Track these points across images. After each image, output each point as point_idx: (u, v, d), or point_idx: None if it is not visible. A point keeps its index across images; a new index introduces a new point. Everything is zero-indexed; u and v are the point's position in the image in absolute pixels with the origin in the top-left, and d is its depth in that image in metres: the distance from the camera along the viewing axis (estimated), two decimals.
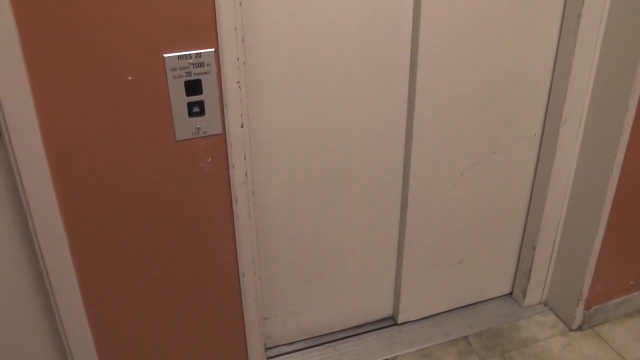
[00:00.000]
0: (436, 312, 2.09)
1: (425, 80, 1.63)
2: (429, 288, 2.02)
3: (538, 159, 1.92)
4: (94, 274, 1.38)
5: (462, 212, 1.92)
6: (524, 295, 2.11)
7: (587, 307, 2.02)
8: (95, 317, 1.43)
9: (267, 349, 1.93)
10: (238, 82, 1.30)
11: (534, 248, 2.01)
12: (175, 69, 1.25)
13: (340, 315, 1.98)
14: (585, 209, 1.89)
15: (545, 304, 2.15)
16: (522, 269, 2.10)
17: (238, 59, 1.28)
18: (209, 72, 1.28)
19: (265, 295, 1.80)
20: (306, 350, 1.94)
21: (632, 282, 2.08)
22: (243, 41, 1.29)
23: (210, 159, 1.36)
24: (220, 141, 1.35)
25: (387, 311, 2.06)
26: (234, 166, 1.37)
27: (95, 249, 1.36)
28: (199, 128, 1.31)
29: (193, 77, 1.27)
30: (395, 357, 1.93)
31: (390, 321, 2.06)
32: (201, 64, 1.26)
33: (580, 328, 2.05)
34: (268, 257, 1.74)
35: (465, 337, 2.01)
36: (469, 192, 1.88)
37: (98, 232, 1.34)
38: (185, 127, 1.30)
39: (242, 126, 1.34)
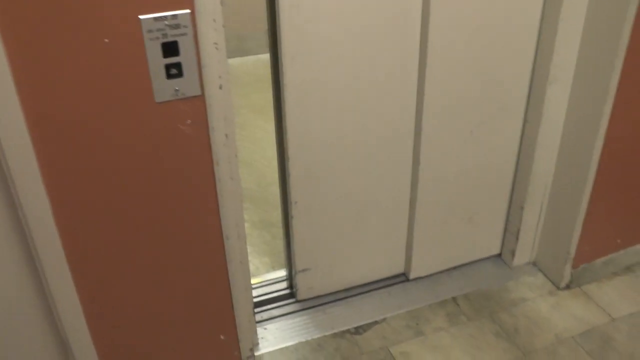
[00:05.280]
0: (425, 274, 2.11)
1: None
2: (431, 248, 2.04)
3: (525, 120, 1.92)
4: (78, 237, 1.39)
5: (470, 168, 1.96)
6: (513, 255, 2.12)
7: (574, 266, 2.03)
8: (81, 280, 1.44)
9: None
10: (215, 44, 1.30)
11: (522, 208, 2.02)
12: (151, 31, 1.24)
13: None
14: (572, 169, 1.89)
15: (534, 264, 2.16)
16: (511, 230, 2.11)
17: (215, 20, 1.27)
18: (186, 34, 1.27)
19: None
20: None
21: (619, 241, 2.09)
22: (221, 3, 1.28)
23: (190, 121, 1.36)
24: (199, 103, 1.35)
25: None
26: (213, 128, 1.37)
27: (78, 212, 1.36)
28: (178, 90, 1.31)
29: (170, 39, 1.26)
30: (384, 318, 1.95)
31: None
32: (177, 26, 1.25)
33: (568, 287, 2.07)
34: None
35: (454, 299, 2.03)
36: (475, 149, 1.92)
37: (80, 196, 1.35)
38: (163, 89, 1.30)
39: (220, 88, 1.34)
